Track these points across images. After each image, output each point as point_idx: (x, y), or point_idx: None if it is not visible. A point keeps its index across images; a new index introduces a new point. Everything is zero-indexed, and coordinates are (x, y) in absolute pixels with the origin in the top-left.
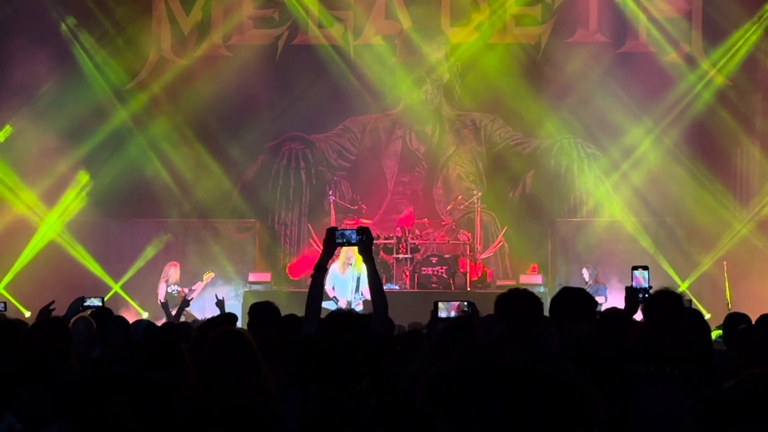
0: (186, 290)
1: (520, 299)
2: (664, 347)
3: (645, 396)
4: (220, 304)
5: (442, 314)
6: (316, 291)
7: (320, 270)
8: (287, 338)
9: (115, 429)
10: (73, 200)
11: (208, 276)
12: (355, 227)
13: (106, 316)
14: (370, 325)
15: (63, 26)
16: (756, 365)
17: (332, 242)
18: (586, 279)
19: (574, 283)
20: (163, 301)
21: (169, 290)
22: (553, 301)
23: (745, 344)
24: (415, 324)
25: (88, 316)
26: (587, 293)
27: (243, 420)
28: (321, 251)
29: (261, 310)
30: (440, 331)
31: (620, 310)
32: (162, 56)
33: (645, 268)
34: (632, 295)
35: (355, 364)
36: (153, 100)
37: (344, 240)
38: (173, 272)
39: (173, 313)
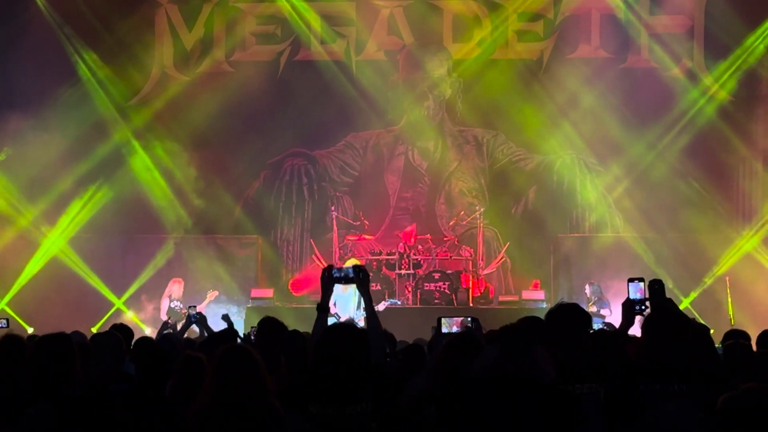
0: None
1: (516, 327)
2: (669, 364)
3: (656, 415)
4: (226, 317)
5: (446, 330)
6: (320, 332)
7: (323, 312)
8: (291, 355)
9: None
10: (76, 216)
11: (211, 294)
12: (351, 266)
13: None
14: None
15: (66, 43)
16: (750, 379)
17: (330, 280)
18: (588, 295)
19: (577, 300)
20: (165, 318)
21: (172, 306)
22: (546, 318)
23: (731, 359)
24: (418, 340)
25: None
26: (578, 311)
27: None
28: (321, 293)
29: (271, 326)
30: (444, 346)
31: (612, 329)
32: (164, 72)
33: (641, 280)
34: (629, 308)
35: (356, 380)
36: (155, 116)
37: (341, 275)
38: (176, 288)
39: (178, 327)
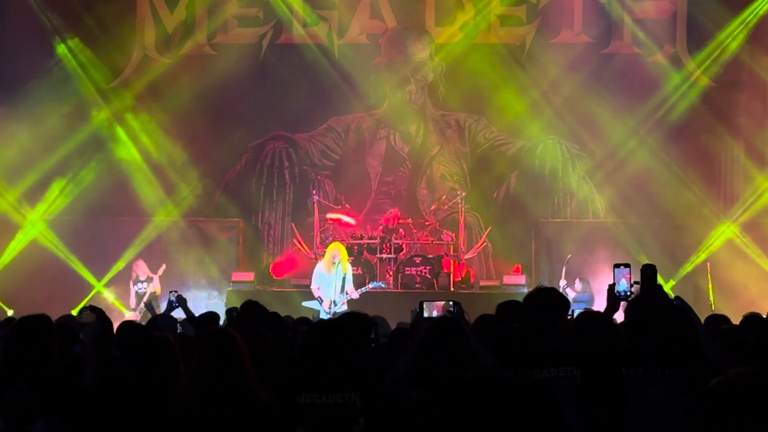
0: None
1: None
2: (652, 347)
3: (638, 399)
4: (149, 306)
5: (427, 314)
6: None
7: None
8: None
9: (103, 429)
10: (56, 199)
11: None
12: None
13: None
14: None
15: (47, 24)
16: (740, 364)
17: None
18: (578, 290)
19: (558, 284)
20: (146, 301)
21: (136, 289)
22: (523, 301)
23: (728, 344)
24: (402, 324)
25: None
26: (555, 295)
27: (230, 422)
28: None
29: (252, 309)
30: (425, 330)
31: (598, 312)
32: (146, 54)
33: (627, 266)
34: (614, 293)
35: (345, 369)
36: (137, 99)
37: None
38: (141, 269)
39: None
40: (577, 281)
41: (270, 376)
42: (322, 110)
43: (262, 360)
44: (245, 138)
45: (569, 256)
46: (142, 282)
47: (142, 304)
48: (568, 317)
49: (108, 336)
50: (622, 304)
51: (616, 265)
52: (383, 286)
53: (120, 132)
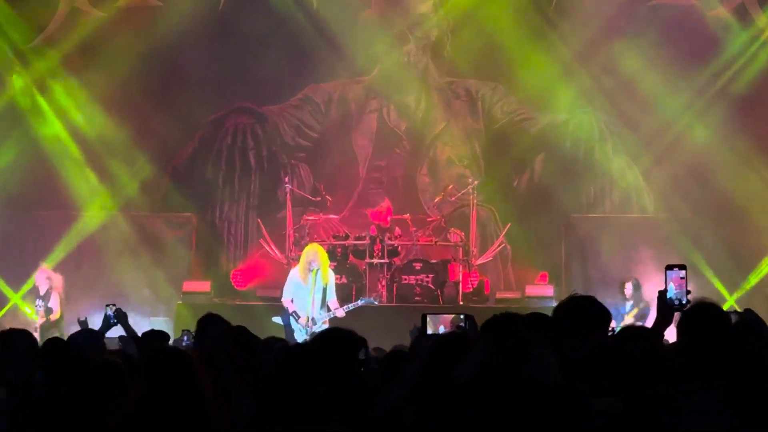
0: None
1: (508, 320)
2: (708, 371)
3: (687, 423)
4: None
5: (431, 330)
6: None
7: None
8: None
9: None
10: None
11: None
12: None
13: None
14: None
15: None
16: None
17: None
18: (627, 296)
19: (600, 297)
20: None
21: (36, 305)
22: (553, 313)
23: None
24: (399, 347)
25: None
26: (595, 306)
27: None
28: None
29: (212, 324)
30: (429, 348)
31: (641, 327)
32: (74, 6)
33: (682, 267)
34: (666, 301)
35: (331, 394)
36: (64, 62)
37: None
38: (39, 277)
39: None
40: (627, 285)
41: (235, 405)
42: (296, 76)
43: (225, 386)
44: (200, 111)
45: (631, 281)
46: (40, 297)
47: (40, 320)
48: (609, 333)
49: (32, 358)
50: (676, 316)
51: (669, 267)
52: (375, 302)
53: (43, 103)
